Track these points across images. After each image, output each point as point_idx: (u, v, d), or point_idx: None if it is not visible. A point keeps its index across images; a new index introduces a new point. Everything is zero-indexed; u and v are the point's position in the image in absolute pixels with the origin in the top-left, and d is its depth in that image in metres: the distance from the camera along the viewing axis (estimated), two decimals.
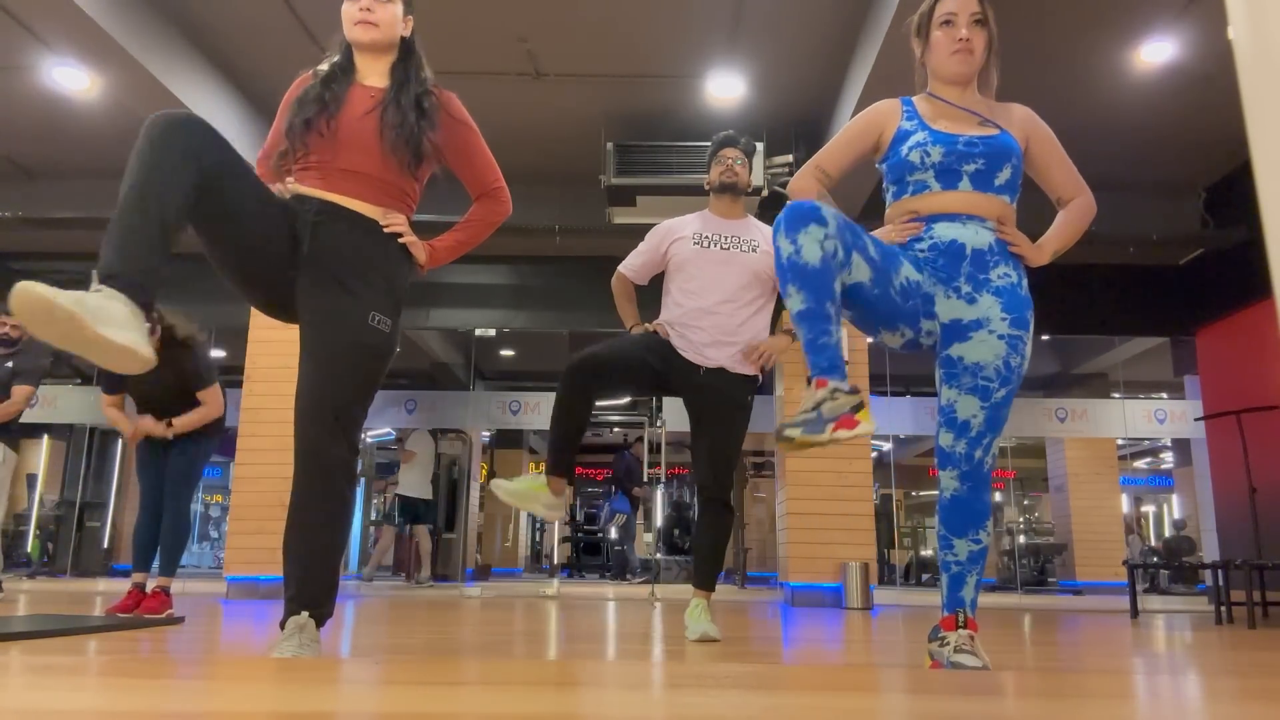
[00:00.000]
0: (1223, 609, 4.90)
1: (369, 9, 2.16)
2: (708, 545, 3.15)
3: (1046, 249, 2.17)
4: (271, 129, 2.25)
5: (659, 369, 3.04)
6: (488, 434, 12.18)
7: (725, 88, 5.37)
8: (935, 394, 2.10)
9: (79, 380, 9.26)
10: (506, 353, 10.44)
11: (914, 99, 2.22)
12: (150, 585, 3.99)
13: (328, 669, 1.58)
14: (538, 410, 8.31)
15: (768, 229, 3.26)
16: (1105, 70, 5.17)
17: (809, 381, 1.82)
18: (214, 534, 12.70)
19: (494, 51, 5.08)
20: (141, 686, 1.32)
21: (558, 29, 4.88)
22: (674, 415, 8.70)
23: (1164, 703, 1.37)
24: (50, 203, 6.36)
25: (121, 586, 4.95)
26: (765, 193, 5.53)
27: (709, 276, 3.10)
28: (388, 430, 12.25)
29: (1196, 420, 7.01)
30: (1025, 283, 2.09)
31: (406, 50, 2.27)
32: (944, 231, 2.04)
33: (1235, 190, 6.32)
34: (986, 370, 1.99)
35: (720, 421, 3.08)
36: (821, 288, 1.77)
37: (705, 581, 3.15)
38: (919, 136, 2.09)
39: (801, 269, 1.77)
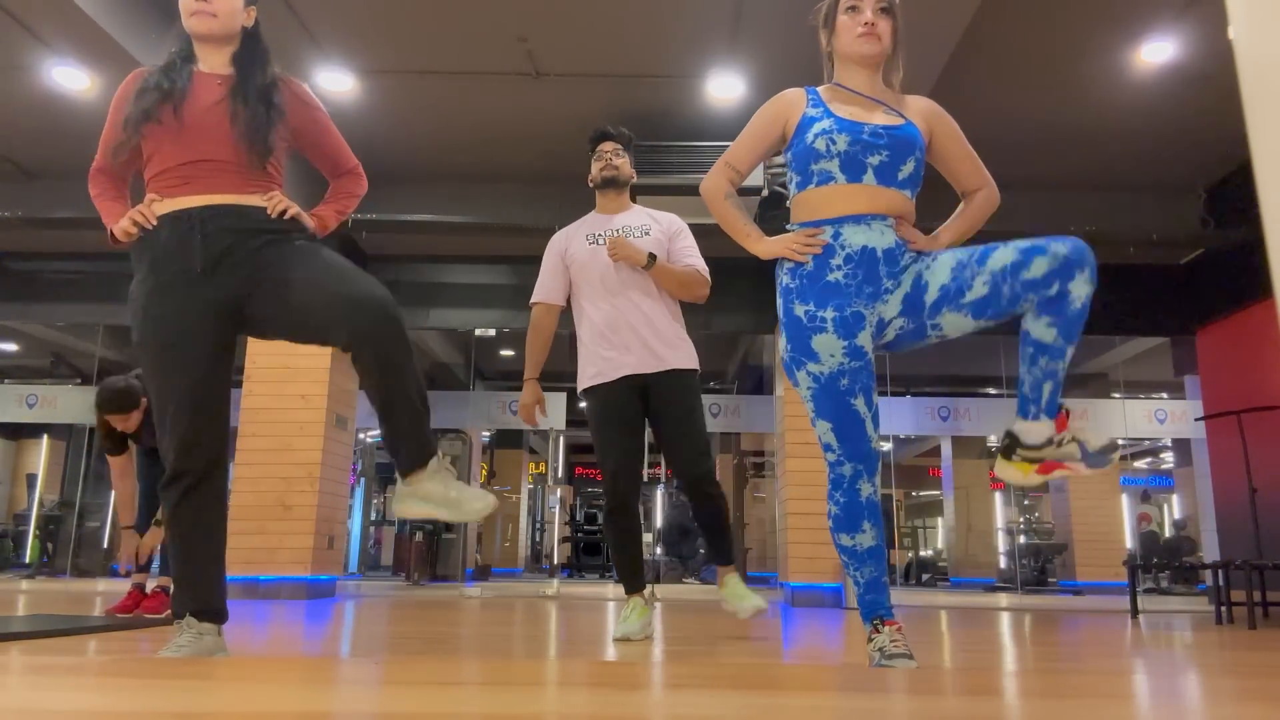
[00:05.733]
0: (1223, 609, 4.90)
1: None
2: (712, 520, 3.14)
3: (942, 240, 2.18)
4: (104, 130, 2.17)
5: (638, 418, 3.12)
6: (488, 434, 12.19)
7: (725, 88, 5.37)
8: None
9: (79, 380, 9.27)
10: (506, 353, 10.44)
11: (819, 88, 2.22)
12: (150, 585, 3.99)
13: (328, 669, 1.58)
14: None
15: (657, 211, 3.28)
16: (1105, 70, 5.17)
17: (878, 624, 2.06)
18: None
19: (494, 51, 5.08)
20: (141, 686, 1.32)
21: (558, 29, 4.88)
22: None
23: (1164, 703, 1.37)
24: (50, 203, 6.36)
25: (121, 587, 4.95)
26: (765, 193, 5.53)
27: (614, 271, 3.11)
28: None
29: (1197, 420, 7.00)
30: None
31: (250, 41, 2.22)
32: (853, 237, 2.06)
33: (1235, 190, 6.32)
34: (960, 258, 2.00)
35: (686, 415, 3.07)
36: (880, 556, 2.09)
37: (724, 555, 3.20)
38: (825, 124, 2.09)
39: (867, 551, 2.08)
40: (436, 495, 2.05)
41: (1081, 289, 1.87)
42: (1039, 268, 1.88)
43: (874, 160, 2.06)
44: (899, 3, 2.16)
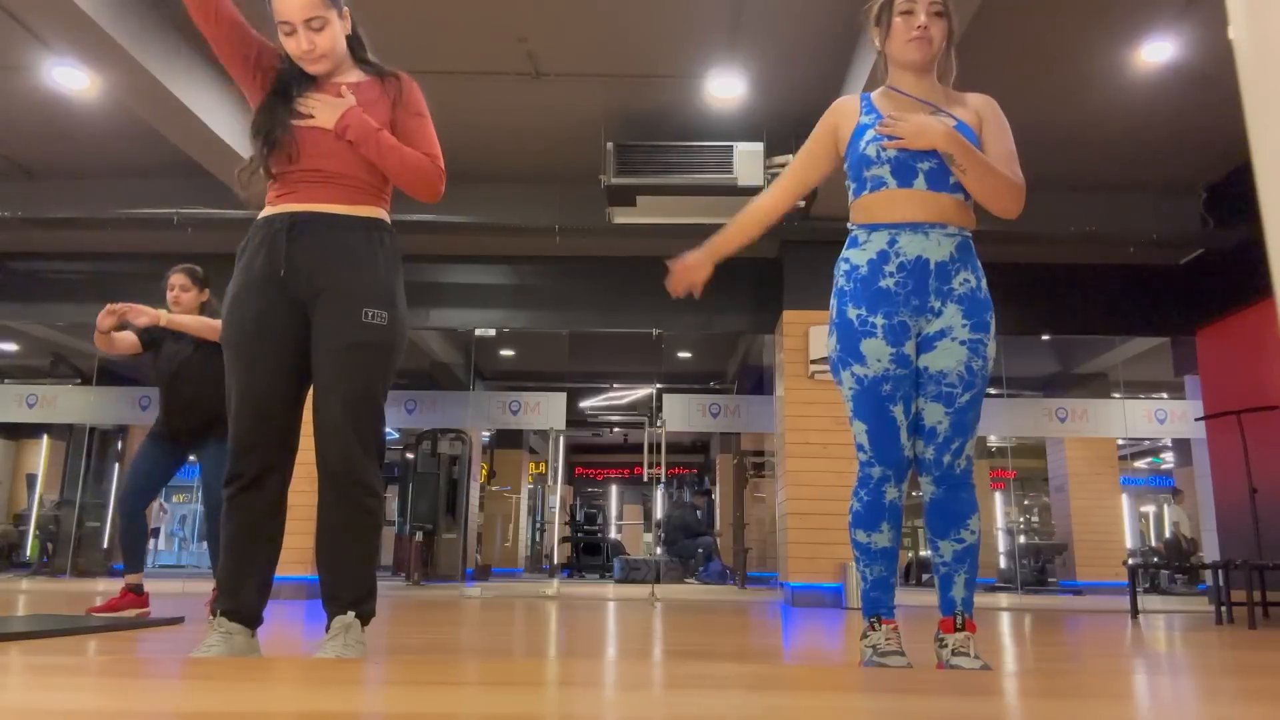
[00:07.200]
0: (1223, 609, 4.90)
1: (311, 45, 2.08)
2: None
3: (976, 155, 2.05)
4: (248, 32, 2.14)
5: None
6: (488, 434, 12.19)
7: (725, 88, 5.37)
8: None
9: (79, 380, 9.26)
10: (506, 353, 10.44)
11: (872, 94, 2.24)
12: (123, 583, 3.95)
13: (328, 669, 1.58)
14: (537, 410, 8.30)
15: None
16: (1105, 70, 5.17)
17: (874, 623, 2.12)
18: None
19: (494, 51, 5.08)
20: (141, 686, 1.32)
21: (558, 29, 4.88)
22: (674, 416, 8.70)
23: (1164, 703, 1.37)
24: (50, 203, 6.35)
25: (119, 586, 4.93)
26: None
27: None
28: (387, 430, 12.25)
29: (1197, 420, 7.00)
30: (984, 284, 2.14)
31: (357, 46, 2.23)
32: (909, 246, 2.08)
33: (1235, 190, 6.32)
34: (949, 377, 2.07)
35: None
36: (892, 557, 2.15)
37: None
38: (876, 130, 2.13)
39: (880, 550, 2.14)
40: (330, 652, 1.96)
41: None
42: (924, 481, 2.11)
43: (925, 166, 2.09)
44: (952, 3, 2.17)
